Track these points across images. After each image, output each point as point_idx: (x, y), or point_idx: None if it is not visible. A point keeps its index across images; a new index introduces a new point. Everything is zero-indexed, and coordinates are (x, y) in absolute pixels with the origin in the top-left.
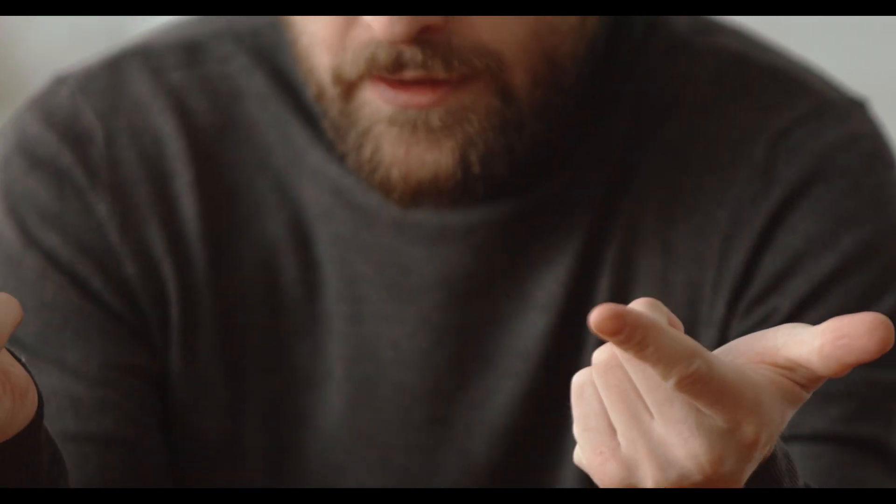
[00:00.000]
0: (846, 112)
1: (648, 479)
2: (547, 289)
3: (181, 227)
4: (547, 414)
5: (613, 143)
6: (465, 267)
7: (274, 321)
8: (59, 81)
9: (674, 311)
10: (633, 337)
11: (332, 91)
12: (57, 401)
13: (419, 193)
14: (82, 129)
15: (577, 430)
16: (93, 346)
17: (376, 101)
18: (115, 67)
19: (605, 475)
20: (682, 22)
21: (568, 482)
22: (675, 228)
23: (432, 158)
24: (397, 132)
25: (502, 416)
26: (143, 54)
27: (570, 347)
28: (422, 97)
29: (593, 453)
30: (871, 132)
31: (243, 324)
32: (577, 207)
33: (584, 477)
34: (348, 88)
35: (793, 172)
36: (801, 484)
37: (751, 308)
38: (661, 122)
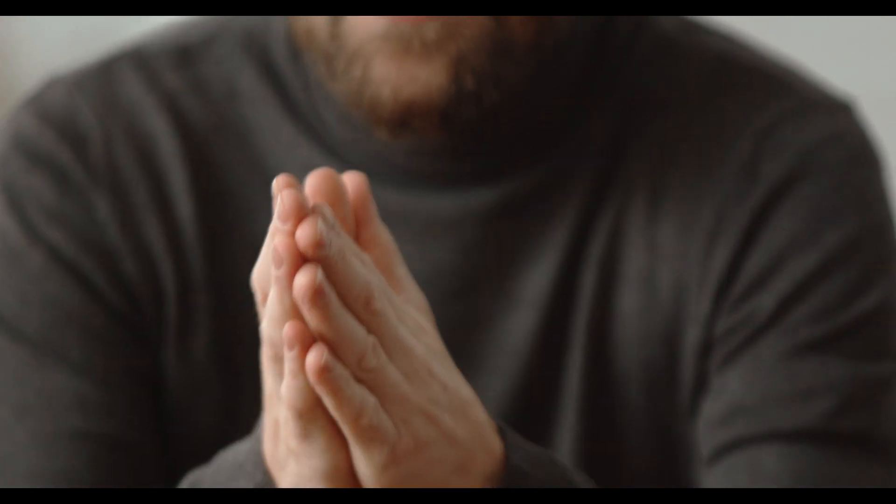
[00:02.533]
0: (830, 110)
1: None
2: (534, 285)
3: (178, 227)
4: (535, 410)
5: (600, 138)
6: (452, 263)
7: None
8: (54, 81)
9: (660, 308)
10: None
11: (321, 20)
12: (64, 399)
13: (410, 112)
14: (80, 129)
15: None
16: (96, 344)
17: (367, 17)
18: (108, 69)
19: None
20: (668, 22)
21: None
22: (661, 226)
23: (425, 74)
24: (390, 48)
25: (491, 412)
26: (136, 57)
27: (557, 344)
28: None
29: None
30: (855, 130)
31: (238, 322)
32: (563, 203)
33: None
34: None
35: (777, 170)
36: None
37: (735, 306)
38: (648, 121)
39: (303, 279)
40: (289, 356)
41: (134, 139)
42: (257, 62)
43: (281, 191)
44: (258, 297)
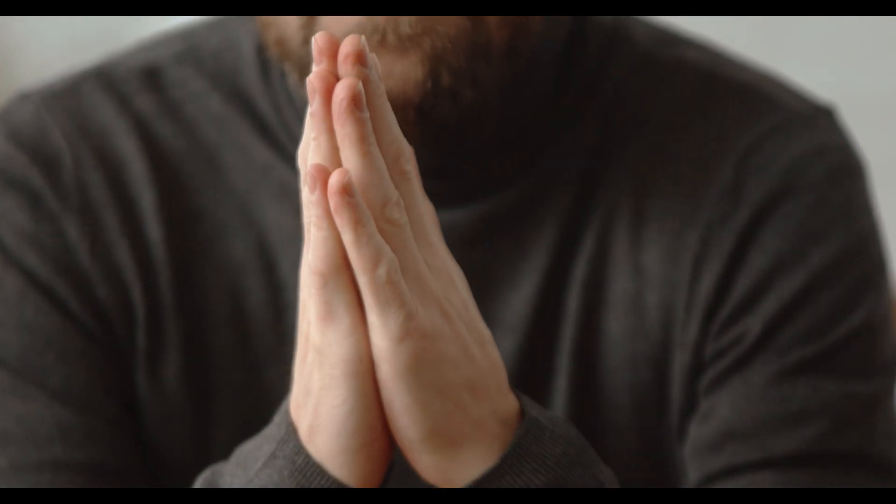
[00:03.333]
0: (812, 122)
1: None
2: (515, 309)
3: (148, 251)
4: None
5: (577, 157)
6: None
7: (241, 344)
8: (23, 98)
9: (647, 331)
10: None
11: (294, 24)
12: (45, 429)
13: None
14: (51, 151)
15: None
16: (75, 369)
17: (341, 17)
18: (77, 90)
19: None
20: (642, 33)
21: None
22: (647, 250)
23: (400, 68)
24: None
25: None
26: (105, 78)
27: (541, 369)
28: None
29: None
30: (837, 142)
31: (210, 347)
32: (541, 225)
33: None
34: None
35: (759, 190)
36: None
37: (723, 329)
38: (627, 141)
39: (344, 84)
40: (313, 201)
41: (104, 162)
42: (225, 86)
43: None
44: (302, 174)
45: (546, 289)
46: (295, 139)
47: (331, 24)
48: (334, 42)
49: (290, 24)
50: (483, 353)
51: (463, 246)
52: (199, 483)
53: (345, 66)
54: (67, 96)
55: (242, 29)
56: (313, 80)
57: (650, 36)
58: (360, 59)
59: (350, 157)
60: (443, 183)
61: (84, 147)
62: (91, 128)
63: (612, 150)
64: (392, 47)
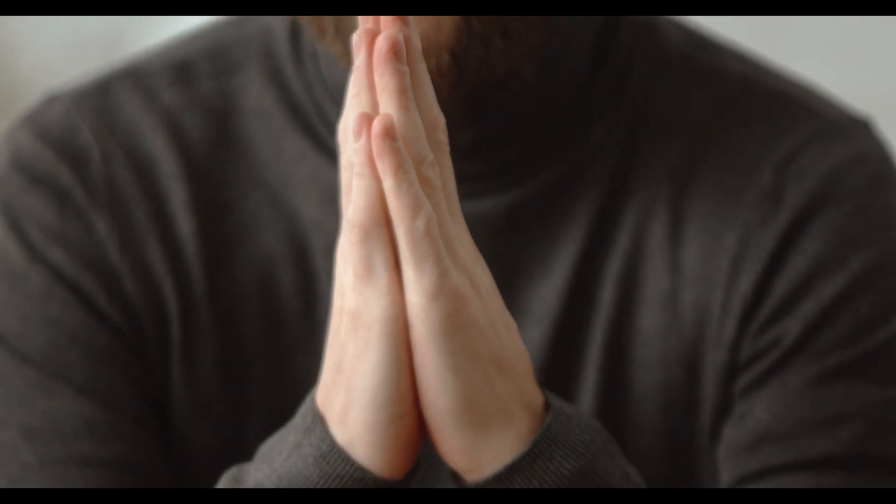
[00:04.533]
0: (851, 132)
1: None
2: (543, 299)
3: (179, 245)
4: None
5: (608, 152)
6: None
7: (272, 334)
8: (52, 100)
9: (681, 330)
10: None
11: None
12: (71, 424)
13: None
14: (79, 148)
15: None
16: (100, 365)
17: None
18: (106, 88)
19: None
20: (677, 34)
21: None
22: (684, 249)
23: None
24: None
25: None
26: (133, 75)
27: (570, 361)
28: None
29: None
30: (876, 152)
31: (242, 338)
32: (571, 217)
33: None
34: None
35: (801, 195)
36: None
37: (761, 330)
38: (661, 143)
39: (385, 35)
40: (356, 149)
41: (133, 158)
42: (263, 70)
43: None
44: (342, 144)
45: (576, 281)
46: (328, 123)
47: None
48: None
49: None
50: (510, 336)
51: (491, 235)
52: (224, 481)
53: (387, 25)
54: (96, 95)
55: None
56: (358, 35)
57: (686, 39)
58: (402, 21)
59: (390, 109)
60: (473, 164)
61: (113, 144)
62: (120, 125)
63: (644, 150)
64: None
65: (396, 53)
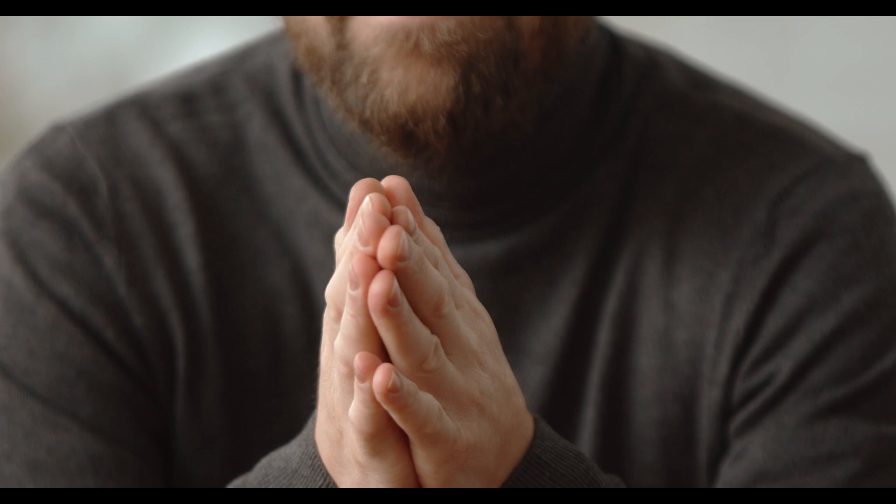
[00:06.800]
0: (846, 168)
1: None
2: (543, 341)
3: (186, 279)
4: None
5: (609, 193)
6: None
7: (275, 370)
8: (58, 129)
9: (676, 367)
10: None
11: (324, 30)
12: (76, 459)
13: (416, 115)
14: (86, 180)
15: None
16: (106, 400)
17: (371, 20)
18: (111, 118)
19: None
20: (676, 73)
21: None
22: (677, 288)
23: (433, 76)
24: (397, 49)
25: None
26: (139, 105)
27: (570, 401)
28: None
29: None
30: (871, 188)
31: (247, 372)
32: (569, 259)
33: None
34: (342, 18)
35: (793, 232)
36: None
37: (753, 368)
38: (658, 181)
39: (378, 288)
40: (360, 387)
41: (139, 190)
42: (265, 108)
43: (361, 198)
44: (331, 313)
45: (575, 321)
46: (327, 166)
47: (360, 29)
48: (380, 227)
49: (319, 32)
50: (510, 410)
51: (493, 277)
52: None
53: (384, 266)
54: (102, 125)
55: (276, 53)
56: (355, 269)
57: (684, 77)
58: (399, 259)
59: (385, 336)
60: (474, 213)
61: (120, 176)
62: (126, 156)
63: (642, 189)
64: (427, 56)
65: (392, 304)
